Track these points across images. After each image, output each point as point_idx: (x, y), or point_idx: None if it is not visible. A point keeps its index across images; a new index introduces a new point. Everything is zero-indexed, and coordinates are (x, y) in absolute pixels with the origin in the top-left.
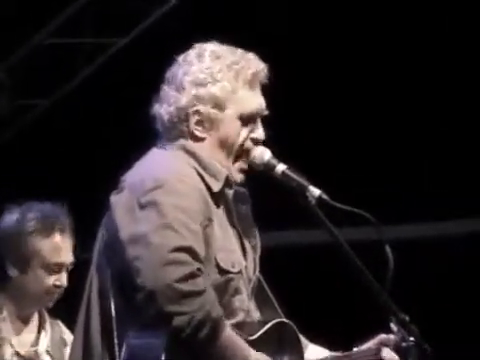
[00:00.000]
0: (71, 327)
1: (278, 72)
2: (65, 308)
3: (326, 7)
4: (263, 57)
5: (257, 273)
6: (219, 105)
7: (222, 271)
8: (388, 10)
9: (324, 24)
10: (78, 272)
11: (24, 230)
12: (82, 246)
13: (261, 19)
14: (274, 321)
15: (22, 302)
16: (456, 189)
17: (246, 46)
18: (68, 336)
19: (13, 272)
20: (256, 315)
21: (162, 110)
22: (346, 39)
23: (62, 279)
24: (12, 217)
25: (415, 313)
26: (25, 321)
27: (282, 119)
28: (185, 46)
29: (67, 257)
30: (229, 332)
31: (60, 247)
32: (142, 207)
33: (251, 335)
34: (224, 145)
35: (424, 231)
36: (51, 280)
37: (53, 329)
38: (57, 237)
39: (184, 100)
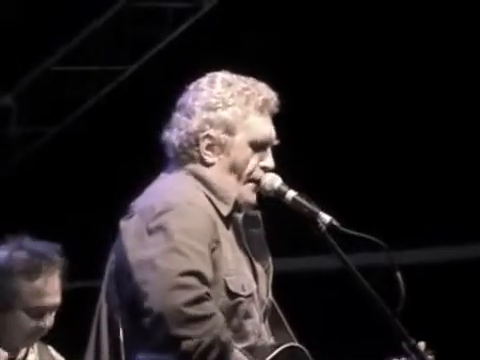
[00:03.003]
0: (79, 351)
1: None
2: (73, 333)
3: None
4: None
5: (270, 296)
6: (230, 130)
7: (231, 294)
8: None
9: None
10: (87, 298)
11: (7, 270)
12: (91, 272)
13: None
14: (286, 345)
15: (4, 339)
16: (468, 214)
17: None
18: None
19: None
20: (269, 339)
21: (173, 136)
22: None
23: (46, 321)
24: (2, 253)
25: (426, 338)
26: (11, 353)
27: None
28: (193, 72)
29: (51, 300)
30: (237, 356)
31: (43, 291)
32: (151, 232)
33: (262, 359)
34: (234, 170)
35: (435, 256)
36: (33, 323)
37: (41, 353)
38: (40, 281)
39: (195, 124)
